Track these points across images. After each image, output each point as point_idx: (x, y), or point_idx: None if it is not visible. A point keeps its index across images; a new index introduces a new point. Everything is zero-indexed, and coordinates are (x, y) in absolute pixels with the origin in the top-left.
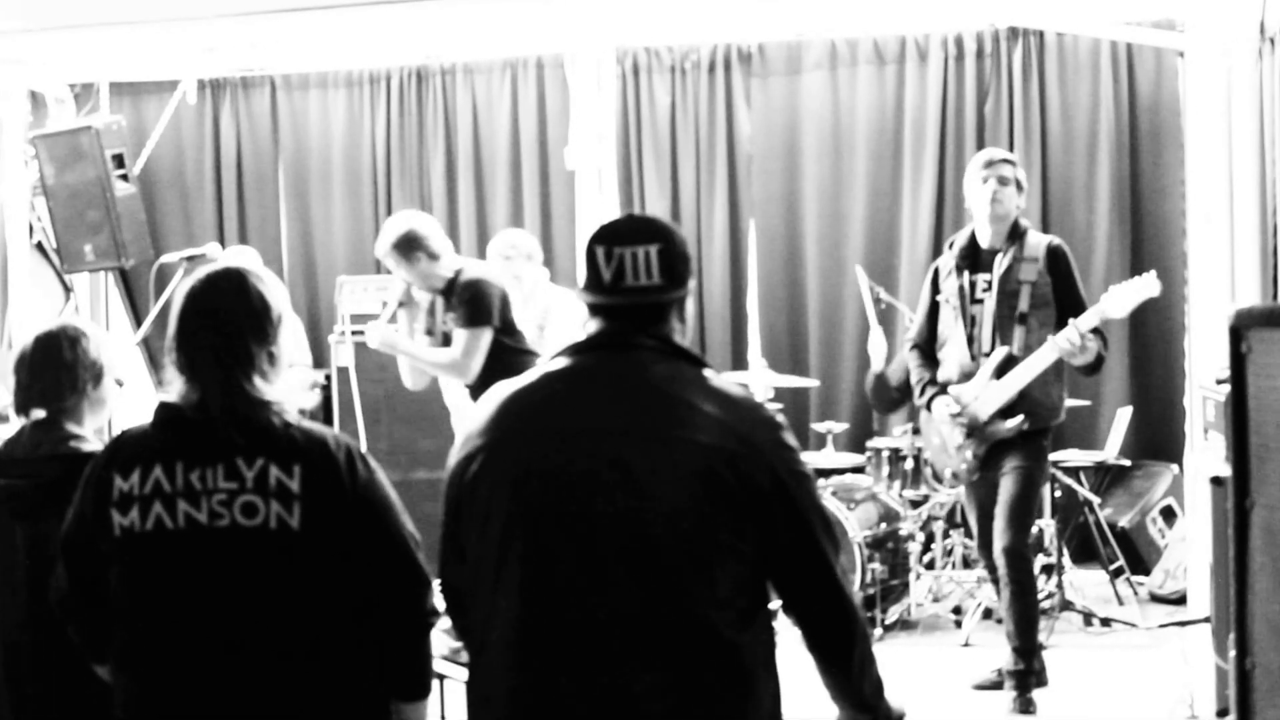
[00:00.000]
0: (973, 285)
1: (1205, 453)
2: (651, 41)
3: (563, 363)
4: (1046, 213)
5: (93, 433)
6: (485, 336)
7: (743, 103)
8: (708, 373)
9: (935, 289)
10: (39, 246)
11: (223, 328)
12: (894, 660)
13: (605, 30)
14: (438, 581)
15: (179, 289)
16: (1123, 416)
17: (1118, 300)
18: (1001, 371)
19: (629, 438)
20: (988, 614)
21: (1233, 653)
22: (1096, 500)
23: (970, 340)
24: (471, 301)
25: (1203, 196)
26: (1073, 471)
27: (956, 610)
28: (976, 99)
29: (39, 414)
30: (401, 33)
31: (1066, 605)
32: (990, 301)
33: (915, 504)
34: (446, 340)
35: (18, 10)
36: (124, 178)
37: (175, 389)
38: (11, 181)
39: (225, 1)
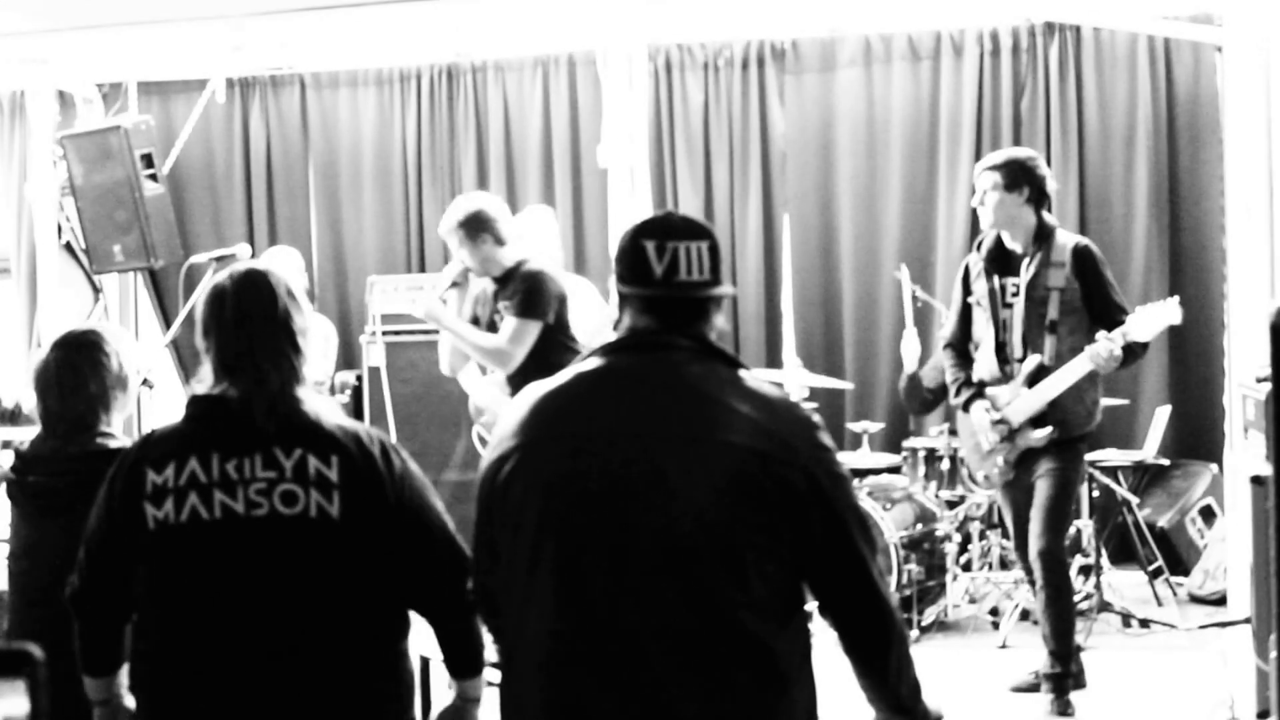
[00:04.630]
0: (1002, 289)
1: (1245, 452)
2: (684, 38)
3: (596, 363)
4: (1084, 209)
5: (118, 429)
6: (534, 330)
7: (776, 100)
8: (743, 373)
9: (966, 289)
10: (67, 247)
11: (274, 322)
12: (931, 662)
13: (637, 27)
14: (470, 583)
15: (207, 288)
16: (1161, 415)
17: (1142, 324)
18: (1034, 380)
19: (663, 440)
20: (1025, 615)
21: (1274, 654)
22: (1135, 500)
23: (1001, 346)
24: (529, 292)
25: (1242, 192)
26: (1111, 471)
27: (994, 611)
28: (1013, 95)
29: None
30: (432, 30)
31: (1105, 606)
32: (1019, 308)
33: (952, 504)
34: (493, 331)
35: (44, 10)
36: (153, 178)
37: (207, 385)
38: (40, 182)
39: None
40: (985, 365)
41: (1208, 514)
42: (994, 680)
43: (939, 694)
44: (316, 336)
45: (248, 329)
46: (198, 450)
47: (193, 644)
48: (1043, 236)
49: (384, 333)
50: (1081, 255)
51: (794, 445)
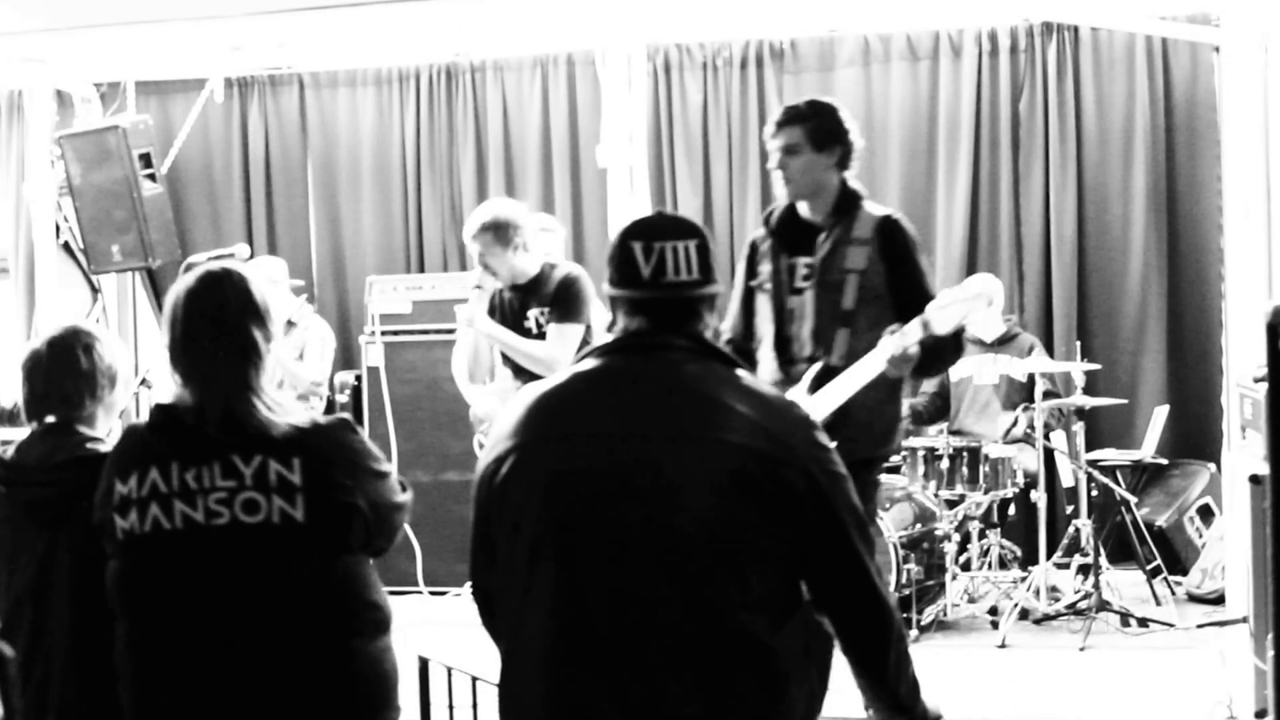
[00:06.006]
0: (791, 270)
1: (1243, 451)
2: (683, 38)
3: (593, 364)
4: (1082, 209)
5: (106, 434)
6: (579, 333)
7: (775, 100)
8: (741, 372)
9: (751, 272)
10: (66, 247)
11: (228, 326)
12: (930, 661)
13: (636, 27)
14: (468, 584)
15: (175, 289)
16: (1159, 415)
17: (942, 313)
18: (819, 385)
19: (660, 439)
20: (1024, 615)
21: (1271, 653)
22: (1133, 499)
23: (787, 341)
24: (572, 297)
25: (1240, 192)
26: (1109, 470)
27: (993, 611)
28: (1011, 95)
29: (50, 419)
30: (431, 30)
31: (1103, 605)
32: (810, 294)
33: (951, 504)
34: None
35: (43, 10)
36: (151, 177)
37: (173, 391)
38: (38, 181)
39: None
40: (766, 365)
41: (1206, 513)
42: (993, 679)
43: (938, 693)
44: (314, 339)
45: (195, 337)
46: (158, 460)
47: (162, 653)
48: (845, 207)
49: (383, 333)
50: (886, 232)
51: (792, 444)
